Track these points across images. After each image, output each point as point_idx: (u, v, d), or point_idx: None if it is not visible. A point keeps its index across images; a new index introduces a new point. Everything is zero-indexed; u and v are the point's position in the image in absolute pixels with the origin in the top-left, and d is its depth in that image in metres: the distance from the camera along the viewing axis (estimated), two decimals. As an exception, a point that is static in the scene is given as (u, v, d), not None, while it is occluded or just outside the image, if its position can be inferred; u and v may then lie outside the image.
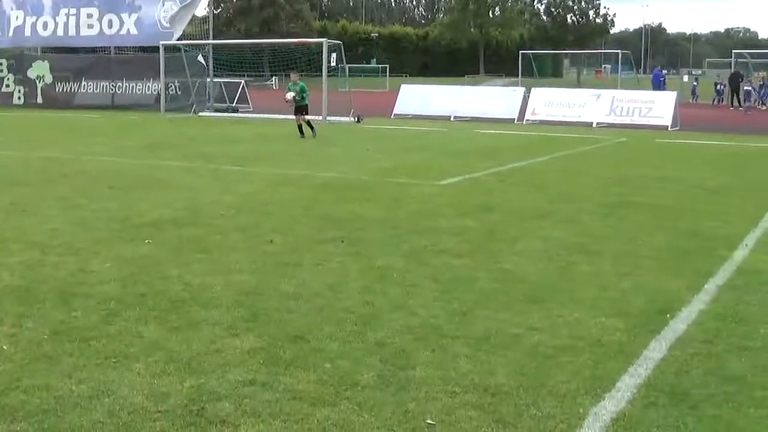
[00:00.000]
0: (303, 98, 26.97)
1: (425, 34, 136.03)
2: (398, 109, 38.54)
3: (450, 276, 8.74)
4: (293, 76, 28.14)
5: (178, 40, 40.60)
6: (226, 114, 39.12)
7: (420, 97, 39.02)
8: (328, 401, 5.45)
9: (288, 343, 6.56)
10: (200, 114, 38.86)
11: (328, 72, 35.45)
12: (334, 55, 36.30)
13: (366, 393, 5.59)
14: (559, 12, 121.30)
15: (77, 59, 46.59)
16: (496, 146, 23.83)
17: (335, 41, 38.29)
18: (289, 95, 27.06)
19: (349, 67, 41.47)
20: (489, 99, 38.00)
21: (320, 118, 33.73)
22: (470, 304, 7.68)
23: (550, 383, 5.79)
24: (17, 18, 46.60)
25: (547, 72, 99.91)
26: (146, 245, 10.13)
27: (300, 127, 26.50)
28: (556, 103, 35.34)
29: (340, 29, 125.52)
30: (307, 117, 26.98)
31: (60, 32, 45.20)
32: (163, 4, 41.84)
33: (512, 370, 6.01)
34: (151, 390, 5.60)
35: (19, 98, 46.45)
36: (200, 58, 40.65)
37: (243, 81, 44.10)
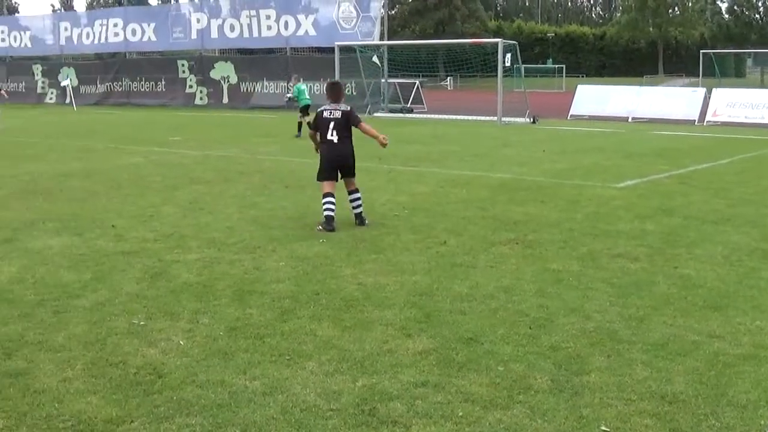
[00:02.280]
0: (300, 99, 28.04)
1: (602, 34, 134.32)
2: (574, 109, 38.12)
3: (627, 280, 8.57)
4: (294, 78, 30.68)
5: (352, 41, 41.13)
6: (400, 114, 39.37)
7: (597, 98, 38.47)
8: (501, 405, 5.39)
9: (461, 344, 6.53)
10: (375, 114, 39.20)
11: (504, 72, 35.31)
12: (509, 55, 36.14)
13: (539, 397, 5.51)
14: (742, 10, 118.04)
15: (257, 60, 47.66)
16: (676, 148, 23.28)
17: (510, 41, 38.17)
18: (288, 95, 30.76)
19: (524, 68, 41.25)
20: (668, 100, 37.12)
21: (496, 119, 33.71)
22: (647, 309, 7.51)
23: (730, 393, 5.60)
24: (198, 20, 47.96)
25: (729, 72, 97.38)
26: (320, 244, 10.25)
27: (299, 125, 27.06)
28: (738, 104, 34.33)
29: (516, 29, 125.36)
30: (307, 118, 26.08)
31: (246, 34, 46.41)
32: (339, 6, 42.46)
33: (690, 379, 5.85)
34: (323, 388, 5.65)
35: (201, 98, 47.79)
36: (375, 58, 41.01)
37: (417, 81, 44.27)
